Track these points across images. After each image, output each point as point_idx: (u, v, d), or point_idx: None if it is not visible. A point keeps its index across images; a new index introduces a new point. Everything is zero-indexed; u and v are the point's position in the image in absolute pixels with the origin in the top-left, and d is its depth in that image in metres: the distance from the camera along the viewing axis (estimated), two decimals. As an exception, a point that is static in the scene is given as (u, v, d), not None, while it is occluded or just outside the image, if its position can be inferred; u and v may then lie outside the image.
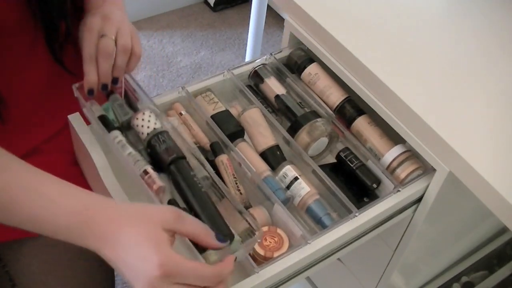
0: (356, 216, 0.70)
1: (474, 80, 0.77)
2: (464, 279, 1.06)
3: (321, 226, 0.71)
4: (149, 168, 0.66)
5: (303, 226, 0.68)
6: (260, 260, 0.66)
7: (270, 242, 0.67)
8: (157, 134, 0.68)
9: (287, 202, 0.73)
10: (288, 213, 0.68)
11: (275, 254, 0.65)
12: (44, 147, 0.81)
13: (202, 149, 0.77)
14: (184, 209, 0.63)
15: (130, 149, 0.68)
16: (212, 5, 2.23)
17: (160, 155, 0.67)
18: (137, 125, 0.69)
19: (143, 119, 0.69)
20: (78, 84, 0.71)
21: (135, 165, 0.66)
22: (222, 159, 0.75)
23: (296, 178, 0.74)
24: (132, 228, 0.54)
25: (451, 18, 0.88)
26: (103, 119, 0.71)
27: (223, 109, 0.81)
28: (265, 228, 0.68)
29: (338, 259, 0.95)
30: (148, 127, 0.69)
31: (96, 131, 0.73)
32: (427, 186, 0.75)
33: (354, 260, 1.01)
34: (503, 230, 1.09)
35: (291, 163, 0.76)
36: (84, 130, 0.73)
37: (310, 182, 0.74)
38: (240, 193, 0.72)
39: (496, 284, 1.08)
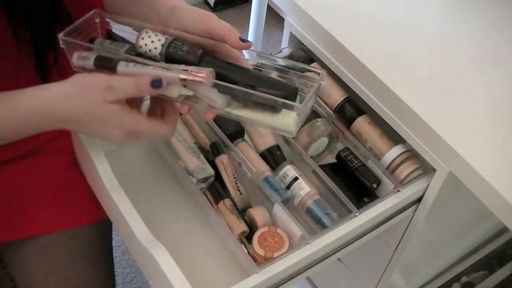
0: (356, 216, 0.70)
1: (474, 80, 0.77)
2: (464, 279, 1.06)
3: (321, 226, 0.71)
4: (184, 66, 0.61)
5: (303, 226, 0.68)
6: (260, 260, 0.66)
7: (270, 242, 0.67)
8: (172, 42, 0.63)
9: (287, 202, 0.73)
10: (288, 213, 0.68)
11: (275, 254, 0.65)
12: (44, 148, 0.81)
13: (202, 149, 0.77)
14: (243, 98, 0.61)
15: (152, 64, 0.62)
16: (212, 5, 2.23)
17: (186, 57, 0.63)
18: (146, 44, 0.63)
19: (149, 36, 0.64)
20: (63, 34, 0.64)
21: (170, 71, 0.60)
22: (222, 159, 0.75)
23: (296, 178, 0.74)
24: (83, 114, 0.59)
25: (453, 16, 0.88)
26: (103, 59, 0.64)
27: (223, 109, 0.81)
28: (265, 228, 0.68)
29: (338, 259, 0.95)
30: (159, 40, 0.63)
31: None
32: (427, 186, 0.75)
33: (354, 260, 1.01)
34: (503, 230, 1.09)
35: (291, 163, 0.76)
36: (84, 130, 0.73)
37: (310, 182, 0.74)
38: (240, 193, 0.72)
39: (496, 284, 1.08)
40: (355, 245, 0.74)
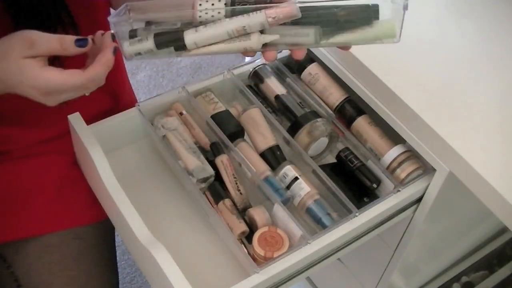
0: (356, 216, 0.70)
1: (474, 80, 0.77)
2: (464, 279, 1.06)
3: (321, 226, 0.71)
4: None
5: (303, 226, 0.68)
6: (260, 260, 0.66)
7: (270, 242, 0.67)
8: None
9: (287, 202, 0.73)
10: (288, 213, 0.68)
11: (275, 254, 0.65)
12: (44, 149, 0.81)
13: (202, 149, 0.77)
14: (334, 21, 0.54)
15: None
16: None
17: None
18: (206, 11, 0.56)
19: (207, 1, 0.56)
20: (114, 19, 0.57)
21: (253, 15, 0.54)
22: (222, 159, 0.75)
23: (296, 178, 0.73)
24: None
25: (454, 17, 0.88)
26: (165, 34, 0.55)
27: (223, 109, 0.81)
28: (265, 228, 0.68)
29: (338, 259, 0.95)
30: (219, 0, 0.56)
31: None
32: (427, 186, 0.75)
33: (354, 260, 1.01)
34: (503, 230, 1.09)
35: (291, 163, 0.76)
36: (84, 130, 0.73)
37: (310, 182, 0.74)
38: (240, 193, 0.72)
39: (496, 284, 1.08)
40: (355, 245, 0.74)
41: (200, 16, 0.55)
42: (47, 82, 0.56)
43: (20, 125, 0.78)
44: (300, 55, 0.59)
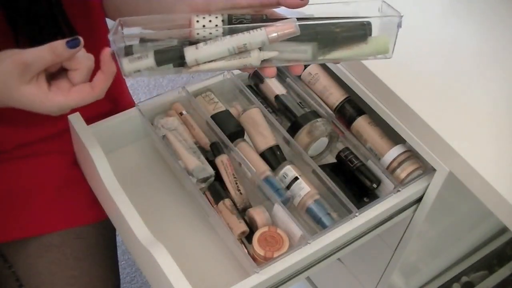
0: (356, 216, 0.70)
1: (474, 79, 0.77)
2: (464, 279, 1.06)
3: (321, 226, 0.71)
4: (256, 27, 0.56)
5: (303, 226, 0.68)
6: (260, 260, 0.66)
7: (270, 242, 0.67)
8: (229, 16, 0.58)
9: (287, 202, 0.73)
10: (288, 213, 0.68)
11: (275, 254, 0.65)
12: (43, 148, 0.81)
13: (202, 149, 0.77)
14: (332, 38, 0.56)
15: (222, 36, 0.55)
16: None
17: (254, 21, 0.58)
18: (204, 27, 0.56)
19: (204, 18, 0.57)
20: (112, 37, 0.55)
21: (254, 33, 0.55)
22: (222, 159, 0.75)
23: (296, 178, 0.74)
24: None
25: (453, 16, 0.88)
26: (165, 51, 0.54)
27: (223, 109, 0.81)
28: (265, 228, 0.68)
29: (338, 259, 0.96)
30: (216, 17, 0.57)
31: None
32: (427, 186, 0.75)
33: (354, 260, 1.01)
34: (503, 230, 1.09)
35: (291, 163, 0.76)
36: (84, 130, 0.73)
37: (310, 182, 0.74)
38: (240, 193, 0.72)
39: (496, 284, 1.08)
40: (355, 245, 0.74)
41: (198, 34, 0.56)
42: (59, 106, 0.57)
43: (14, 123, 0.78)
44: (298, 71, 0.60)
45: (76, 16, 0.71)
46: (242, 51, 0.56)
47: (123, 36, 0.57)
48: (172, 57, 0.55)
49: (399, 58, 0.79)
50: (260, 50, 0.57)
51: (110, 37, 0.55)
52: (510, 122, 0.72)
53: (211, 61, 0.57)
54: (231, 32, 0.56)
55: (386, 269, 0.92)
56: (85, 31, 0.73)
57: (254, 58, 0.56)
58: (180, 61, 0.55)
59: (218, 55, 0.56)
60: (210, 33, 0.56)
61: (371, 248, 0.90)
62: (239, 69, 0.59)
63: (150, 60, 0.55)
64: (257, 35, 0.54)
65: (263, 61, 0.58)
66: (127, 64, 0.56)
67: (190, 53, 0.55)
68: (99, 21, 0.80)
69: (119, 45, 0.56)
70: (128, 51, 0.56)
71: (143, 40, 0.57)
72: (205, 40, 0.56)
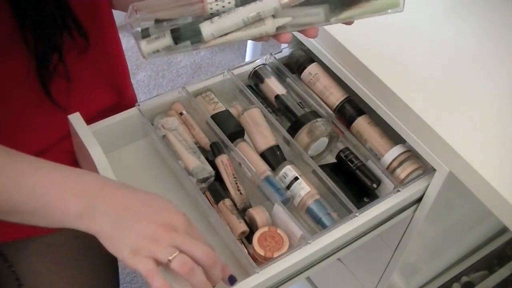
0: (356, 216, 0.70)
1: (474, 80, 0.77)
2: (464, 279, 1.06)
3: (321, 226, 0.71)
4: None
5: (303, 226, 0.68)
6: (260, 260, 0.66)
7: (270, 242, 0.67)
8: None
9: (287, 202, 0.73)
10: (288, 213, 0.68)
11: (275, 254, 0.65)
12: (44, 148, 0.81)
13: (202, 149, 0.77)
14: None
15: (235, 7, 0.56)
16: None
17: None
18: (216, 1, 0.57)
19: None
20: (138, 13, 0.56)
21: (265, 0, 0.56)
22: (222, 159, 0.75)
23: (296, 178, 0.74)
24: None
25: (453, 16, 0.88)
26: (182, 28, 0.55)
27: (223, 109, 0.81)
28: (265, 228, 0.68)
29: (338, 259, 0.96)
30: None
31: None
32: (427, 186, 0.75)
33: (354, 260, 1.01)
34: (503, 230, 1.09)
35: (291, 163, 0.76)
36: (84, 130, 0.73)
37: (310, 182, 0.74)
38: (240, 193, 0.72)
39: (496, 284, 1.08)
40: (355, 245, 0.74)
41: (211, 8, 0.57)
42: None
43: (21, 132, 0.78)
44: (313, 34, 0.61)
45: (83, 11, 0.71)
46: (257, 20, 0.58)
47: (138, 19, 0.57)
48: (189, 34, 0.56)
49: (399, 58, 0.79)
50: (273, 17, 0.58)
51: (126, 21, 0.56)
52: (510, 122, 0.72)
53: (228, 33, 0.58)
54: (243, 2, 0.58)
55: (386, 269, 0.92)
56: (92, 25, 0.73)
57: (269, 26, 0.58)
58: (197, 37, 0.56)
59: (233, 27, 0.57)
60: (223, 6, 0.57)
61: (371, 248, 0.90)
62: (255, 40, 0.59)
63: (167, 39, 0.56)
64: (269, 2, 0.56)
65: (278, 28, 0.59)
66: (145, 46, 0.57)
67: (206, 28, 0.56)
68: (106, 15, 0.80)
69: (136, 29, 0.57)
70: (145, 34, 0.57)
71: (158, 21, 0.58)
72: (218, 14, 0.57)
